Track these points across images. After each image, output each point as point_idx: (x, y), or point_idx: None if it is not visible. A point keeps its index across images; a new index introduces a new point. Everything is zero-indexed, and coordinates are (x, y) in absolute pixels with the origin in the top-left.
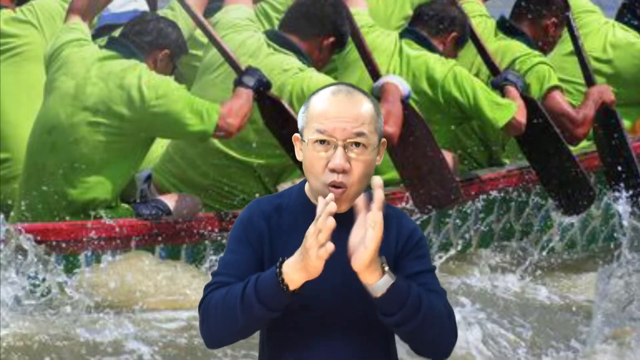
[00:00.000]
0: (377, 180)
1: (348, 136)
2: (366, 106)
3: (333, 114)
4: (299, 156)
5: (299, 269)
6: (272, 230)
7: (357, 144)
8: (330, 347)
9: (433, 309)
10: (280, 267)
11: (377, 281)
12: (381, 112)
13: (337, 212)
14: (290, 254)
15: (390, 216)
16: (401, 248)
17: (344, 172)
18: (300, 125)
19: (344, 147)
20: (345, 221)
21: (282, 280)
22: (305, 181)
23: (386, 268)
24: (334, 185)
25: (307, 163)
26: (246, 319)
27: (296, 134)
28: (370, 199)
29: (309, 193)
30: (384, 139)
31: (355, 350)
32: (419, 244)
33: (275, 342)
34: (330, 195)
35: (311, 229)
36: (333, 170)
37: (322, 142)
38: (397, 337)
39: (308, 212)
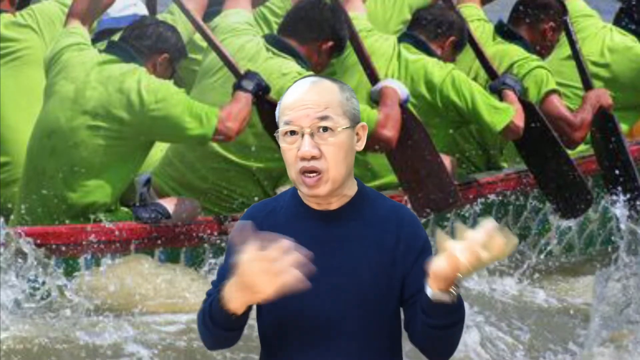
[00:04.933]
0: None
1: (312, 122)
2: (331, 91)
3: (297, 103)
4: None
5: (235, 297)
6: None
7: (325, 129)
8: (328, 352)
9: (462, 319)
10: (221, 292)
11: (441, 294)
12: (353, 97)
13: (322, 200)
14: None
15: (390, 209)
16: (404, 250)
17: (313, 158)
18: (277, 121)
19: (311, 134)
20: (335, 218)
21: (223, 305)
22: None
23: (456, 291)
24: (306, 171)
25: (283, 156)
26: (214, 336)
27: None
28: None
29: (301, 193)
30: (364, 123)
31: (354, 356)
32: (425, 247)
33: (274, 348)
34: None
35: (245, 257)
36: (303, 159)
37: (291, 133)
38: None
39: (301, 211)
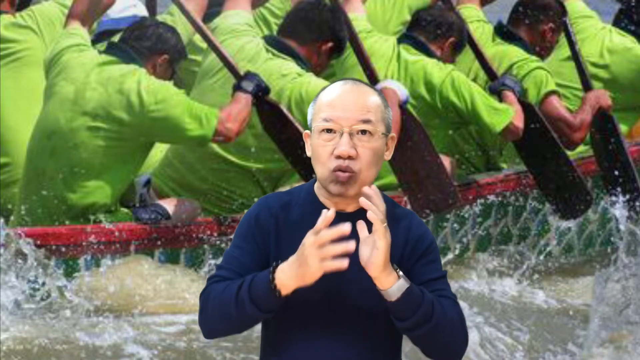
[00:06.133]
0: (367, 191)
1: (354, 123)
2: (372, 97)
3: (339, 102)
4: (308, 151)
5: (293, 276)
6: (279, 227)
7: (364, 132)
8: (332, 348)
9: (445, 315)
10: (274, 271)
11: (392, 285)
12: (388, 106)
13: (343, 201)
14: (295, 251)
15: (400, 216)
16: (410, 251)
17: (350, 158)
18: (309, 119)
19: (350, 134)
20: (349, 220)
21: (275, 285)
22: (315, 180)
23: (400, 273)
24: (340, 170)
25: (314, 152)
26: (239, 317)
27: (306, 131)
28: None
29: (318, 191)
30: (393, 134)
31: (357, 351)
32: (429, 248)
33: (276, 344)
34: (332, 210)
35: (310, 239)
36: (339, 157)
37: (328, 131)
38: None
39: (316, 209)
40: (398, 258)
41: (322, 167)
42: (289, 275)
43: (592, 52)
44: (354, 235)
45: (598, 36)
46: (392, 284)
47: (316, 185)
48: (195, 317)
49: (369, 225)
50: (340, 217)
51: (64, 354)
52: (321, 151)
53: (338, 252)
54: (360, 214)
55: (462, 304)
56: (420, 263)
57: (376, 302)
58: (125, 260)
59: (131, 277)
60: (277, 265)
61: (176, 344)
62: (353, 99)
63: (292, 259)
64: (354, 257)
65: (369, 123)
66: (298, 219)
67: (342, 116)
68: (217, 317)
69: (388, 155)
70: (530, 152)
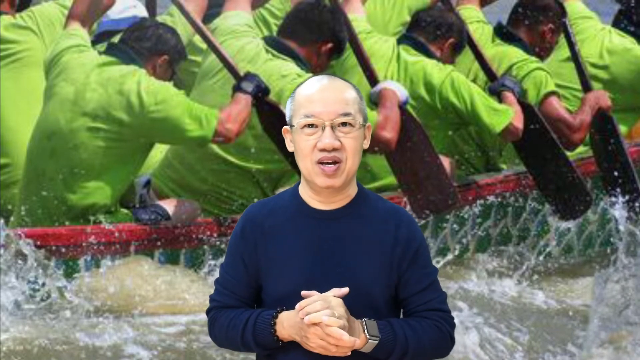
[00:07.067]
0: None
1: (334, 117)
2: (349, 90)
3: (319, 98)
4: (289, 147)
5: (293, 336)
6: (265, 233)
7: (344, 124)
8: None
9: (421, 339)
10: (275, 324)
11: (365, 345)
12: (363, 97)
13: (329, 195)
14: (285, 253)
15: (387, 213)
16: (401, 252)
17: (334, 149)
18: (288, 115)
19: (332, 127)
20: (335, 218)
21: (277, 337)
22: (299, 183)
23: (367, 332)
24: (323, 162)
25: (297, 148)
26: (247, 351)
27: (285, 127)
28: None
29: (302, 192)
30: (369, 123)
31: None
32: (420, 249)
33: None
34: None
35: (311, 329)
36: (323, 150)
37: (310, 126)
38: None
39: (300, 211)
40: (388, 260)
41: (306, 160)
42: (289, 334)
43: (591, 53)
44: (340, 233)
45: (598, 37)
46: (363, 344)
47: (300, 187)
48: (195, 317)
49: (353, 225)
50: (324, 215)
51: (64, 355)
52: (304, 145)
53: (340, 344)
54: (345, 211)
55: (462, 305)
56: (411, 271)
57: (370, 303)
58: (125, 260)
59: (131, 278)
60: (277, 316)
61: (176, 345)
62: (331, 93)
63: (292, 323)
64: (348, 258)
65: (349, 115)
66: (283, 222)
67: (323, 111)
68: (226, 344)
69: (366, 144)
70: (529, 153)
